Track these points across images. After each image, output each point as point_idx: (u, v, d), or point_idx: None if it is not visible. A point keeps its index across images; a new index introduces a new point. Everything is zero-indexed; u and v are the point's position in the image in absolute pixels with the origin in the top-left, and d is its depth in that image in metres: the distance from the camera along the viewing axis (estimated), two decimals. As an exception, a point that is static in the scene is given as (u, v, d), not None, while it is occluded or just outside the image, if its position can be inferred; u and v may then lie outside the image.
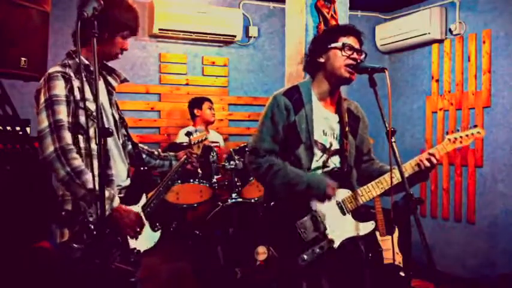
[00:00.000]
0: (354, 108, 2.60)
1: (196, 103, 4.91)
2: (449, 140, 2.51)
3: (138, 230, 2.22)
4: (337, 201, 2.42)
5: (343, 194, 2.43)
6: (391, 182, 2.32)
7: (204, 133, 2.70)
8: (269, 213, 2.48)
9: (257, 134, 2.45)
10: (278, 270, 2.47)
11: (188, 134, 2.68)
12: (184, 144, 4.17)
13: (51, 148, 2.04)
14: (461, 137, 2.52)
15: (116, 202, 2.13)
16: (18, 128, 2.75)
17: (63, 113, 2.08)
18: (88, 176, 2.05)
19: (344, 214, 2.42)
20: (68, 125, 2.08)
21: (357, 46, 2.41)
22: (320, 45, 2.46)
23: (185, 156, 2.58)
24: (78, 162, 2.06)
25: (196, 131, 2.71)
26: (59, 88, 2.10)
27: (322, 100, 2.49)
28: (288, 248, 2.35)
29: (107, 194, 2.07)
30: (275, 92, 2.49)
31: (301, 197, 2.36)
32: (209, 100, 4.95)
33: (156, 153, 2.60)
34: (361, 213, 2.50)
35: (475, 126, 2.57)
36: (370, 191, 2.41)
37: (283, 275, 2.45)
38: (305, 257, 2.31)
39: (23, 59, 2.60)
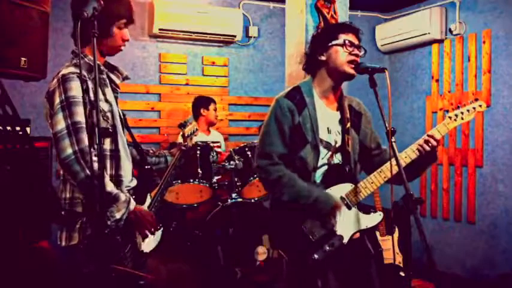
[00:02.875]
0: (356, 104, 2.60)
1: (203, 103, 4.88)
2: (449, 117, 2.43)
3: (153, 230, 2.24)
4: (341, 196, 2.41)
5: (346, 188, 2.42)
6: (391, 163, 2.27)
7: (194, 124, 2.70)
8: (275, 217, 2.48)
9: (265, 138, 2.43)
10: (290, 272, 2.44)
11: (181, 125, 2.68)
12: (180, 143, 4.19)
13: (69, 150, 2.02)
14: (462, 113, 2.43)
15: (132, 205, 2.14)
16: (18, 128, 2.75)
17: (80, 115, 2.05)
18: (107, 179, 2.06)
19: (350, 208, 2.41)
20: (86, 127, 2.07)
21: (356, 42, 2.43)
22: (320, 44, 2.46)
23: (179, 151, 2.58)
24: (97, 165, 2.05)
25: (187, 122, 2.71)
26: (76, 89, 2.07)
27: (324, 98, 2.50)
28: (298, 249, 2.34)
29: (123, 197, 2.08)
30: (277, 96, 2.49)
31: (307, 210, 2.35)
32: (214, 101, 4.95)
33: (151, 151, 2.60)
34: (366, 205, 2.50)
35: (476, 99, 2.46)
36: (373, 182, 2.40)
37: (296, 276, 2.43)
38: (316, 256, 2.30)
39: (23, 59, 2.60)
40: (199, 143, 4.23)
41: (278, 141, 2.39)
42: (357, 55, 2.40)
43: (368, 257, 2.51)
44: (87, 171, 2.00)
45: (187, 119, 2.80)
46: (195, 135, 2.68)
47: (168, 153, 2.62)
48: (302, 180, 2.38)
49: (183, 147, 2.57)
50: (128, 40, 2.27)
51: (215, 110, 4.91)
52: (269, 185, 2.44)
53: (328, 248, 2.32)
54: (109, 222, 2.05)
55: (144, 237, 2.22)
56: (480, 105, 2.44)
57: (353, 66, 2.39)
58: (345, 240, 2.36)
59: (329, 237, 2.34)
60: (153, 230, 2.23)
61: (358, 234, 2.44)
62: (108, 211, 2.04)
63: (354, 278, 2.45)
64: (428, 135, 2.39)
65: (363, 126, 2.57)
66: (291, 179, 2.36)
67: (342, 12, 3.69)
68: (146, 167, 2.47)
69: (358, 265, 2.45)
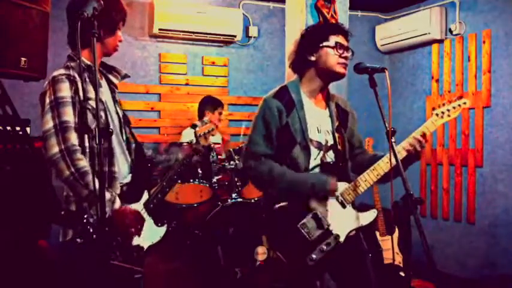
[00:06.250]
0: (342, 103, 2.62)
1: (210, 105, 4.84)
2: (437, 115, 2.47)
3: (139, 227, 2.25)
4: (335, 195, 2.42)
5: (340, 187, 2.43)
6: (390, 163, 2.29)
7: (211, 124, 2.69)
8: (270, 218, 2.47)
9: (251, 138, 2.46)
10: (288, 274, 2.44)
11: (193, 126, 2.69)
12: (185, 144, 4.19)
13: (56, 149, 2.07)
14: (448, 110, 2.48)
15: (117, 204, 2.16)
16: (18, 128, 2.75)
17: (68, 114, 2.11)
18: (90, 177, 2.08)
19: (344, 207, 2.42)
20: (74, 126, 2.12)
21: (345, 44, 2.45)
22: (310, 44, 2.47)
23: (190, 149, 2.59)
24: (83, 163, 2.09)
25: (202, 123, 2.71)
26: (65, 90, 2.14)
27: (312, 97, 2.51)
28: (295, 250, 2.34)
29: (108, 196, 2.09)
30: (265, 96, 2.51)
31: (304, 197, 2.36)
32: (222, 105, 4.93)
33: (163, 145, 2.62)
34: (361, 204, 2.51)
35: (461, 97, 2.53)
36: (366, 180, 2.41)
37: (294, 277, 2.43)
38: (313, 256, 2.31)
39: (23, 59, 2.60)
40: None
41: (264, 141, 2.41)
42: (346, 57, 2.43)
43: (363, 255, 2.52)
44: (72, 169, 2.05)
45: (204, 119, 2.80)
46: (212, 135, 2.68)
47: (180, 152, 2.63)
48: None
49: (195, 146, 2.57)
50: (121, 41, 2.34)
51: (220, 114, 4.90)
52: (261, 181, 2.45)
53: (325, 247, 2.32)
54: (91, 220, 2.07)
55: (130, 235, 2.22)
56: (464, 103, 2.50)
57: (344, 66, 2.43)
58: (341, 239, 2.36)
59: (325, 237, 2.34)
60: (138, 227, 2.24)
61: (353, 233, 2.45)
62: (91, 209, 2.08)
63: (350, 277, 2.46)
64: (421, 135, 2.40)
65: (350, 124, 2.59)
66: (282, 171, 2.37)
67: (342, 12, 3.69)
68: (144, 165, 2.48)
69: (354, 263, 2.46)
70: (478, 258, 4.79)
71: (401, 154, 2.40)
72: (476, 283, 4.74)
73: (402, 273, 4.07)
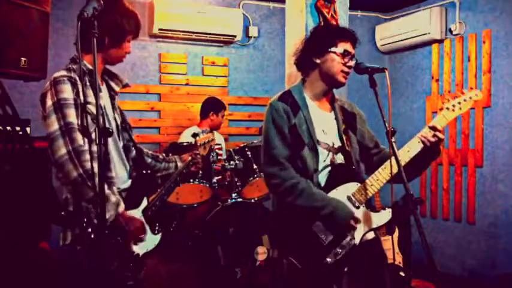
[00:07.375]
0: (348, 106, 2.59)
1: (215, 108, 4.85)
2: (447, 108, 2.37)
3: (141, 237, 2.25)
4: (347, 195, 2.37)
5: (352, 187, 2.39)
6: (391, 164, 2.26)
7: (210, 135, 2.70)
8: (282, 222, 2.43)
9: (267, 144, 2.39)
10: (302, 279, 2.40)
11: (194, 135, 2.70)
12: (185, 144, 4.20)
13: (63, 150, 2.05)
14: (459, 102, 2.37)
15: (121, 208, 2.15)
16: (18, 128, 2.75)
17: (73, 116, 2.10)
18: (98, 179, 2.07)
19: (357, 208, 2.37)
20: (78, 127, 2.10)
21: (352, 52, 2.42)
22: (318, 46, 2.43)
23: (190, 158, 2.59)
24: (90, 164, 2.07)
25: (202, 132, 2.73)
26: (67, 92, 2.13)
27: (316, 100, 2.48)
28: (309, 254, 2.29)
29: (113, 199, 2.09)
30: (270, 100, 2.48)
31: (321, 220, 2.31)
32: (225, 108, 4.95)
33: (160, 156, 2.61)
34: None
35: (472, 88, 2.42)
36: (378, 179, 2.36)
37: (308, 283, 2.37)
38: (328, 260, 2.26)
39: (23, 59, 2.60)
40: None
41: (280, 143, 2.35)
42: (350, 67, 2.39)
43: (380, 257, 2.48)
44: (80, 170, 2.03)
45: (204, 129, 2.82)
46: (211, 145, 2.69)
47: (178, 158, 2.63)
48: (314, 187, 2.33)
49: (194, 155, 2.58)
50: (129, 53, 2.36)
51: (223, 116, 4.92)
52: (281, 192, 2.36)
53: (339, 250, 2.28)
54: (96, 222, 2.06)
55: (131, 241, 2.22)
56: (476, 94, 2.40)
57: (345, 75, 2.40)
58: (356, 241, 2.31)
59: (340, 240, 2.29)
60: (141, 236, 2.24)
61: (372, 235, 2.41)
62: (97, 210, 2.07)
63: (368, 280, 2.41)
64: (430, 127, 2.34)
65: (359, 126, 2.55)
66: (306, 188, 2.31)
67: (342, 12, 3.68)
68: (144, 171, 2.47)
69: (371, 266, 2.41)
70: (478, 258, 4.79)
71: (416, 148, 2.35)
72: (476, 283, 4.74)
73: (402, 273, 4.06)
